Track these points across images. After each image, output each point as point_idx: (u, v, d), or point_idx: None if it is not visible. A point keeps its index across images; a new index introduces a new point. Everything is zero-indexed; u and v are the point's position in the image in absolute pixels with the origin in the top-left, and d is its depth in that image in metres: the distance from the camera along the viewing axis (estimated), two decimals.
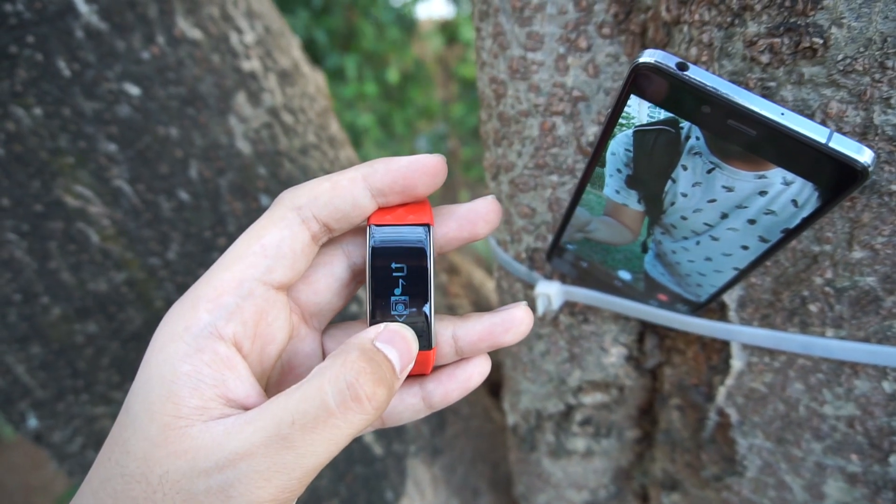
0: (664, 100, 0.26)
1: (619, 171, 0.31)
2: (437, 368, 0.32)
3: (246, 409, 0.27)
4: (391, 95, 2.60)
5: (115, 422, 0.27)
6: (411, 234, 0.30)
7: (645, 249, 0.35)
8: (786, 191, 0.26)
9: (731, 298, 0.37)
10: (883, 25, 0.25)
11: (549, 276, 0.45)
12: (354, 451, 0.64)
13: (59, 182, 0.49)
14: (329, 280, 0.32)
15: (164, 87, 0.52)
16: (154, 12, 0.51)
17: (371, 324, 0.30)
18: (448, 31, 2.78)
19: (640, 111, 0.27)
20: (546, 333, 0.48)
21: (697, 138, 0.27)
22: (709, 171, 0.28)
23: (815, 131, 0.24)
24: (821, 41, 0.26)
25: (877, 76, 0.26)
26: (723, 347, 0.39)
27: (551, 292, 0.43)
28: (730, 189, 0.28)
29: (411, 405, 0.33)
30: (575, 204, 0.36)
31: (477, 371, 0.32)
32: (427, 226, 0.29)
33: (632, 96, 0.27)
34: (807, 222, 0.26)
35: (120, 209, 0.52)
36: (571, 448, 0.53)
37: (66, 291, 0.52)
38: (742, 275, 0.32)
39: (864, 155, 0.23)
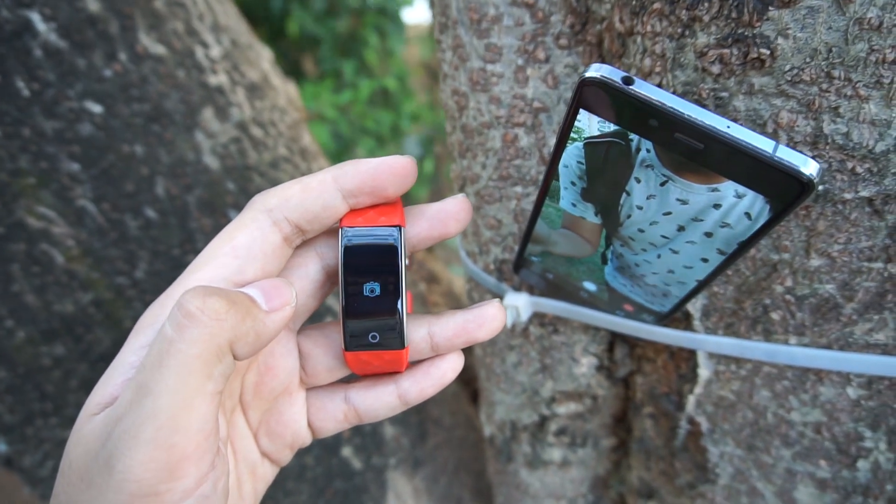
0: (612, 114, 0.26)
1: (573, 183, 0.31)
2: (412, 365, 0.32)
3: None
4: (384, 101, 2.60)
5: None
6: (382, 236, 0.30)
7: (605, 261, 0.34)
8: (739, 203, 0.26)
9: (695, 308, 0.37)
10: (827, 36, 0.25)
11: (517, 288, 0.44)
12: (333, 466, 0.64)
13: (21, 203, 0.48)
14: (304, 282, 0.32)
15: (128, 104, 0.51)
16: (115, 29, 0.50)
17: (343, 324, 0.30)
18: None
19: (590, 125, 0.27)
20: (517, 344, 0.48)
21: (648, 150, 0.26)
22: (662, 184, 0.28)
23: (761, 143, 0.23)
24: (768, 52, 0.26)
25: (824, 86, 0.26)
26: (690, 356, 0.39)
27: (519, 304, 0.43)
28: (684, 202, 0.28)
29: (387, 402, 0.33)
30: (535, 217, 0.35)
31: (451, 367, 0.32)
32: (398, 227, 0.29)
33: (581, 111, 0.27)
34: (760, 233, 0.26)
35: (85, 229, 0.51)
36: (548, 458, 0.52)
37: (31, 314, 0.51)
38: (702, 286, 0.32)
39: (809, 167, 0.23)
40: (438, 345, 0.31)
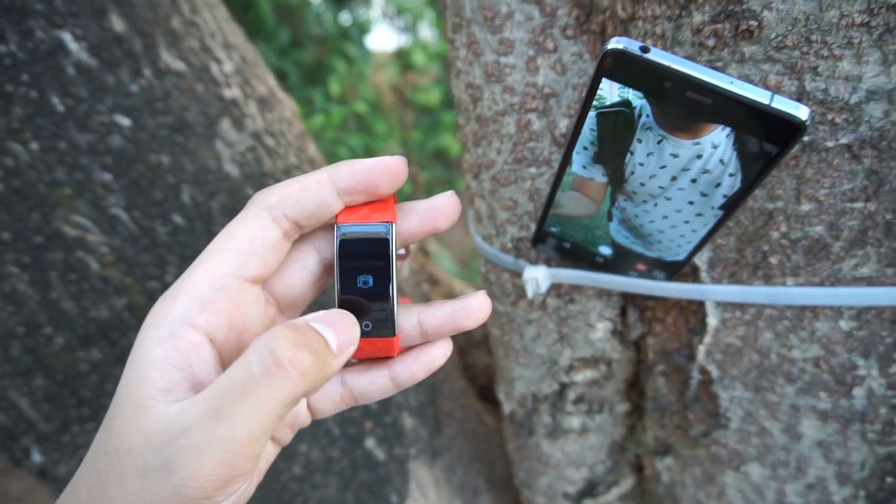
0: (631, 80, 0.30)
1: (585, 148, 0.35)
2: (404, 351, 0.35)
3: None
4: (357, 125, 2.65)
5: None
6: (375, 231, 0.33)
7: (610, 218, 0.39)
8: (715, 153, 0.31)
9: (701, 261, 0.41)
10: (804, 6, 0.30)
11: (534, 262, 0.48)
12: (358, 458, 0.66)
13: (58, 213, 0.51)
14: (302, 274, 0.35)
15: (153, 116, 0.54)
16: (139, 47, 0.53)
17: None
18: (402, 58, 2.85)
19: (611, 92, 0.31)
20: (535, 318, 0.52)
21: (647, 115, 0.31)
22: (658, 142, 0.32)
23: (759, 94, 0.28)
24: (756, 23, 0.31)
25: (804, 49, 0.31)
26: (698, 308, 0.43)
27: (538, 276, 0.47)
28: (675, 155, 0.32)
29: (381, 385, 0.36)
30: (556, 187, 0.39)
31: (440, 353, 0.36)
32: (390, 223, 0.33)
33: (603, 79, 0.31)
34: (768, 169, 0.31)
35: (118, 236, 0.53)
36: (567, 427, 0.56)
37: (69, 320, 0.53)
38: (708, 236, 0.37)
39: (801, 112, 0.27)
40: (427, 332, 0.34)
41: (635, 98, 0.31)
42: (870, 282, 0.37)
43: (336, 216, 0.33)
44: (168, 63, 0.55)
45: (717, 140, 0.30)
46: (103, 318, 0.54)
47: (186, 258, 0.57)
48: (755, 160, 0.31)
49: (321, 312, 0.31)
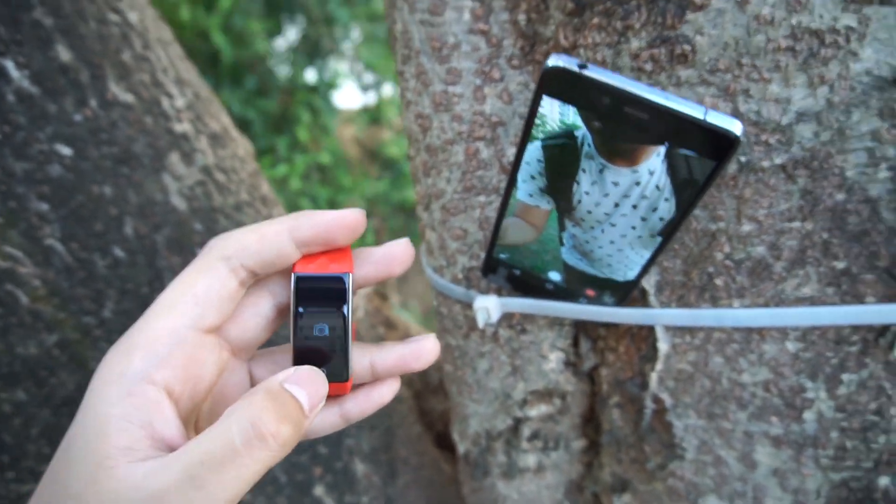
0: (571, 97, 0.31)
1: (532, 177, 0.36)
2: (354, 388, 0.37)
3: (172, 450, 0.29)
4: (321, 177, 2.65)
5: (49, 464, 0.29)
6: (332, 282, 0.33)
7: (562, 242, 0.39)
8: (651, 179, 0.32)
9: (649, 284, 0.41)
10: (733, 31, 0.31)
11: (485, 292, 0.48)
12: None
13: None
14: (257, 318, 0.35)
15: (98, 147, 0.53)
16: (86, 77, 0.52)
17: (294, 362, 0.34)
18: (371, 114, 2.90)
19: (551, 111, 0.32)
20: (488, 350, 0.51)
21: (589, 145, 0.32)
22: (600, 171, 0.33)
23: (694, 109, 0.29)
24: (689, 48, 0.32)
25: (736, 72, 0.32)
26: (649, 334, 0.43)
27: (489, 305, 0.46)
28: (616, 183, 0.33)
29: (331, 422, 0.37)
30: (503, 213, 0.40)
31: (389, 391, 0.37)
32: (347, 273, 0.33)
33: (544, 97, 0.31)
34: (705, 187, 0.31)
35: (52, 269, 0.51)
36: (523, 465, 0.54)
37: None
38: (653, 258, 0.37)
39: (735, 126, 0.28)
40: (378, 372, 0.36)
41: (577, 128, 0.31)
42: (812, 301, 0.37)
43: (293, 265, 0.34)
44: (116, 94, 0.54)
45: (653, 167, 0.31)
46: (31, 355, 0.51)
47: (126, 292, 0.54)
48: (688, 184, 0.31)
49: (292, 371, 0.31)
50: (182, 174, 0.58)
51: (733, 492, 0.45)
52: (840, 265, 0.36)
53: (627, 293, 0.40)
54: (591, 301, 0.43)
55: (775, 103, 0.32)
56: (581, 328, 0.48)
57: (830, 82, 0.32)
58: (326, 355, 0.34)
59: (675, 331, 0.42)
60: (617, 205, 0.35)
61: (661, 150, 0.31)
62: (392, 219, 3.01)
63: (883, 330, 0.37)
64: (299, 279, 0.33)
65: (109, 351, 0.31)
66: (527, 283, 0.44)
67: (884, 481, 0.42)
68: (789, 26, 0.31)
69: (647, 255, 0.37)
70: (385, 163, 2.92)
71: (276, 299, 0.36)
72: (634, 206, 0.34)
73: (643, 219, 0.35)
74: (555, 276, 0.43)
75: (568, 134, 0.32)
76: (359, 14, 2.78)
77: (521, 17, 0.39)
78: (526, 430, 0.53)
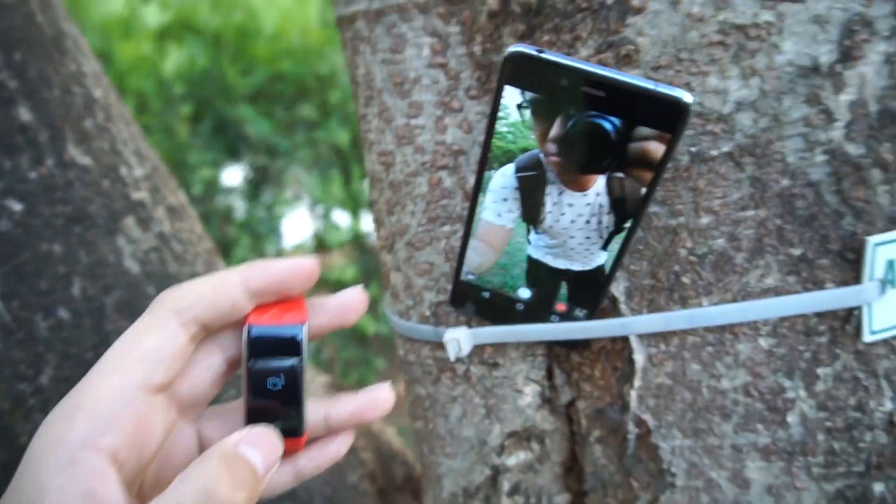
0: (531, 82, 0.33)
1: (505, 200, 0.38)
2: (308, 443, 0.35)
3: None
4: None
5: None
6: (286, 333, 0.33)
7: (528, 242, 0.40)
8: (598, 199, 0.36)
9: (619, 292, 0.41)
10: (670, 30, 0.35)
11: (454, 325, 0.47)
12: None
13: None
14: (207, 374, 0.34)
15: (51, 205, 0.52)
16: (45, 138, 0.53)
17: (247, 419, 0.33)
18: (319, 240, 2.93)
19: (512, 100, 0.34)
20: (460, 394, 0.48)
21: (552, 173, 0.36)
22: (560, 194, 0.37)
23: (645, 83, 0.31)
24: (633, 48, 0.36)
25: (677, 68, 0.36)
26: (624, 347, 0.42)
27: (460, 336, 0.45)
28: (571, 205, 0.37)
29: (283, 480, 0.35)
30: (469, 228, 0.40)
31: (344, 444, 0.37)
32: (302, 324, 0.33)
33: (506, 87, 0.33)
34: (662, 165, 0.33)
35: None
36: None
37: None
38: (619, 259, 0.38)
39: (684, 94, 0.31)
40: (333, 426, 0.36)
41: (544, 164, 0.36)
42: (776, 292, 0.38)
43: (246, 317, 0.33)
44: (74, 157, 0.54)
45: (599, 189, 0.35)
46: None
47: (69, 357, 0.50)
48: (624, 202, 0.36)
49: (245, 431, 0.30)
50: (137, 238, 0.57)
51: None
52: (796, 252, 0.38)
53: (597, 298, 0.40)
54: (562, 318, 0.42)
55: (715, 94, 0.35)
56: (554, 359, 0.47)
57: (760, 73, 0.35)
58: (280, 410, 0.33)
59: (650, 339, 0.41)
60: (573, 221, 0.38)
61: (603, 178, 0.35)
62: (345, 348, 2.94)
63: (847, 316, 0.38)
64: (252, 331, 0.32)
65: (51, 413, 0.29)
66: (497, 307, 0.44)
67: (878, 488, 0.41)
68: (717, 22, 0.34)
69: (604, 252, 0.38)
70: (334, 287, 2.91)
71: (227, 353, 0.35)
72: (587, 222, 0.38)
73: (596, 232, 0.38)
74: (524, 293, 0.42)
75: (536, 166, 0.36)
76: (301, 143, 2.90)
77: (477, 49, 0.43)
78: (505, 484, 0.49)
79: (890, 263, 0.37)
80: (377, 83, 0.46)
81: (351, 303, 0.36)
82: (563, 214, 0.38)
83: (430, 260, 0.47)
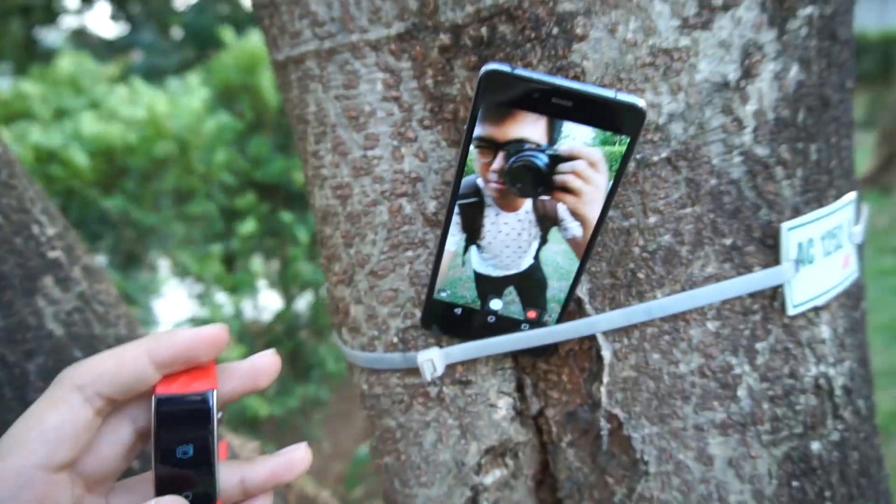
0: (505, 96, 0.36)
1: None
2: None
3: None
4: None
5: None
6: (195, 401, 0.33)
7: (463, 263, 0.44)
8: (527, 216, 0.41)
9: (583, 293, 0.44)
10: (610, 54, 0.40)
11: (425, 348, 0.47)
12: None
13: None
14: (115, 447, 0.34)
15: None
16: None
17: (157, 489, 0.33)
18: (202, 321, 2.76)
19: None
20: (433, 418, 0.49)
21: (489, 198, 0.41)
22: (497, 215, 0.41)
23: (606, 92, 0.36)
24: (580, 70, 0.40)
25: (618, 87, 0.41)
26: (591, 346, 0.45)
27: (433, 356, 0.46)
28: (506, 223, 0.42)
29: None
30: (442, 248, 0.43)
31: None
32: (211, 391, 0.34)
33: (481, 104, 0.36)
34: (623, 167, 0.37)
35: None
36: None
37: None
38: (584, 265, 0.42)
39: (640, 101, 0.35)
40: (250, 490, 0.36)
41: (483, 191, 0.41)
42: (716, 279, 0.43)
43: (154, 387, 0.33)
44: None
45: (528, 209, 0.41)
46: None
47: None
48: (546, 218, 0.41)
49: (153, 502, 0.31)
50: (58, 298, 0.52)
51: (700, 497, 0.45)
52: (728, 241, 0.43)
53: (543, 294, 0.43)
54: (532, 325, 0.45)
55: (651, 108, 0.41)
56: (522, 369, 0.49)
57: (684, 88, 0.41)
58: (192, 478, 0.33)
59: (614, 335, 0.45)
60: (507, 234, 0.42)
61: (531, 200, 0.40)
62: (241, 434, 2.73)
63: (773, 294, 0.44)
64: (160, 401, 0.33)
65: None
66: (468, 322, 0.45)
67: (815, 446, 0.46)
68: (648, 46, 0.40)
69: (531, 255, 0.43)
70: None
71: (136, 424, 0.34)
72: (519, 234, 0.42)
73: (527, 241, 0.43)
74: (496, 304, 0.45)
75: (475, 192, 0.41)
76: (167, 217, 2.76)
77: (429, 82, 0.46)
78: None
79: (800, 245, 0.44)
80: (331, 118, 0.47)
81: (263, 366, 0.36)
82: (500, 232, 0.42)
83: (394, 287, 0.48)
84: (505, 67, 0.36)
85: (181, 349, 0.33)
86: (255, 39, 2.59)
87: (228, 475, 0.35)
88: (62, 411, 0.31)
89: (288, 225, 2.53)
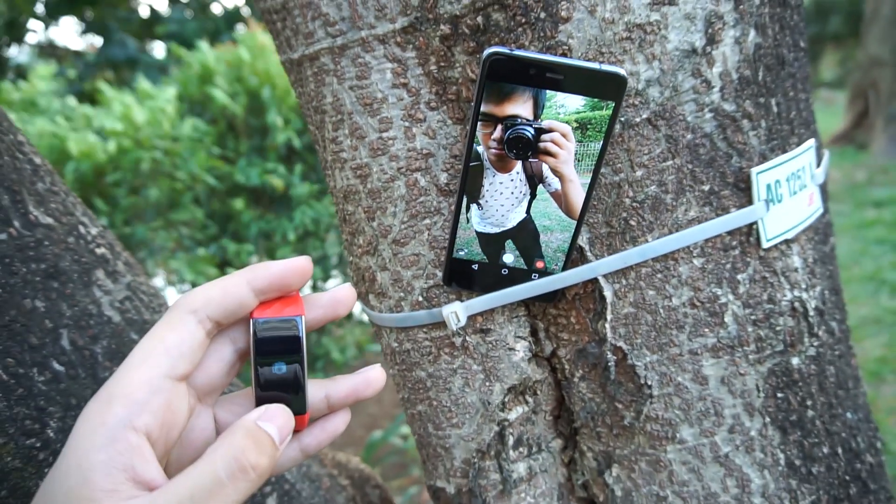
0: (506, 74, 0.42)
1: None
2: (310, 422, 0.42)
3: (151, 489, 0.32)
4: None
5: None
6: (287, 324, 0.39)
7: (468, 221, 0.50)
8: (518, 176, 0.47)
9: (584, 242, 0.51)
10: (592, 31, 0.46)
11: (448, 303, 0.53)
12: None
13: None
14: (220, 364, 0.40)
15: (25, 263, 0.52)
16: (7, 201, 0.53)
17: (257, 400, 0.38)
18: None
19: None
20: (459, 365, 0.55)
21: (488, 160, 0.47)
22: (494, 175, 0.47)
23: (592, 65, 0.42)
24: (567, 48, 0.46)
25: (601, 60, 0.47)
26: (593, 289, 0.52)
27: (456, 309, 0.52)
28: (501, 182, 0.47)
29: (291, 457, 0.41)
30: (458, 213, 0.48)
31: (342, 421, 0.43)
32: (300, 316, 0.39)
33: (487, 81, 0.42)
34: (610, 129, 0.43)
35: None
36: (517, 476, 0.56)
37: None
38: (583, 215, 0.48)
39: (621, 70, 0.42)
40: (334, 404, 0.42)
41: (482, 156, 0.47)
42: (698, 221, 0.50)
43: (251, 312, 0.38)
44: (38, 217, 0.55)
45: (518, 170, 0.47)
46: None
47: (71, 408, 0.50)
48: (533, 176, 0.47)
49: (262, 409, 0.36)
50: (111, 288, 0.57)
51: (699, 413, 0.52)
52: (706, 187, 0.50)
53: (538, 243, 0.50)
54: (542, 273, 0.51)
55: (631, 76, 0.47)
56: (535, 317, 0.55)
57: (658, 57, 0.47)
58: (286, 392, 0.38)
59: (613, 277, 0.51)
60: (502, 193, 0.49)
61: (520, 162, 0.47)
62: None
63: (749, 230, 0.51)
64: (257, 323, 0.38)
65: (89, 403, 0.33)
66: (484, 276, 0.51)
67: (795, 361, 0.53)
68: (624, 23, 0.46)
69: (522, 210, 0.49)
70: None
71: (237, 345, 0.40)
72: (512, 193, 0.48)
73: (520, 199, 0.49)
74: (509, 258, 0.51)
75: (476, 157, 0.47)
76: (155, 227, 2.78)
77: (433, 68, 0.51)
78: (510, 438, 0.56)
79: (769, 187, 0.50)
80: (347, 107, 0.53)
81: (342, 297, 0.42)
82: (496, 191, 0.49)
83: (416, 252, 0.54)
84: (504, 49, 0.41)
85: (275, 277, 0.38)
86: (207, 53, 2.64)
87: (314, 391, 0.40)
88: (180, 331, 0.35)
89: (279, 224, 2.57)
